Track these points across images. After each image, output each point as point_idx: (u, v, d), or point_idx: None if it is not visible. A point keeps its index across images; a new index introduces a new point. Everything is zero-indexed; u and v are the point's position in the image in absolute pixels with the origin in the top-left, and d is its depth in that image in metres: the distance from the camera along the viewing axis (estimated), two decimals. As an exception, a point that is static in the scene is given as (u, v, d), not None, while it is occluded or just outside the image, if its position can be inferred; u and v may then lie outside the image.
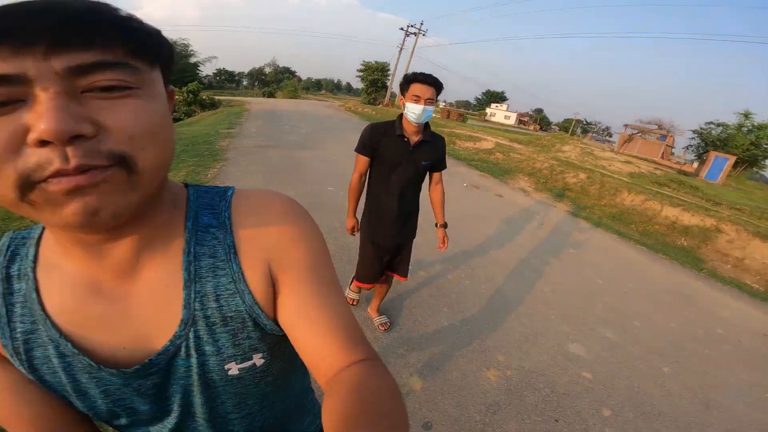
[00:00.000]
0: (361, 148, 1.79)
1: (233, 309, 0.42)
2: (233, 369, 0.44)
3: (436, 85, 1.63)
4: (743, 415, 2.12)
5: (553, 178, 7.42)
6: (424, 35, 26.13)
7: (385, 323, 2.23)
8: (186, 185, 0.48)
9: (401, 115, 1.74)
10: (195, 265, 0.42)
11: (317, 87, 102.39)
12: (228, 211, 0.45)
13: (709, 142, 26.84)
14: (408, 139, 1.73)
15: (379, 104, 28.28)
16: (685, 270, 4.37)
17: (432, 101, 1.63)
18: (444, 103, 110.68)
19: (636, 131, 24.73)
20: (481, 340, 2.29)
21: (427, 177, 1.93)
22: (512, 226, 4.62)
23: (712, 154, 19.42)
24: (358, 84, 40.69)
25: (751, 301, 3.90)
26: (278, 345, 0.48)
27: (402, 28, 26.64)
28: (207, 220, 0.44)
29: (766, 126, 24.97)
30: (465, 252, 3.48)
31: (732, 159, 18.93)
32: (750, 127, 25.60)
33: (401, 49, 27.18)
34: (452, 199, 2.72)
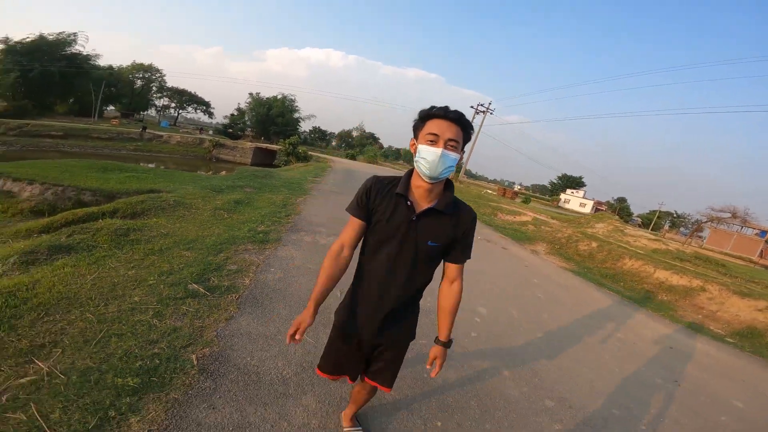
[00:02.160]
0: (352, 206, 1.30)
1: None
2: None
3: (461, 122, 1.15)
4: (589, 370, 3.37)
5: (567, 245, 8.58)
6: (491, 114, 29.07)
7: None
8: None
9: (411, 170, 1.27)
10: None
11: (396, 156, 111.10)
12: None
13: None
14: (412, 203, 1.22)
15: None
16: (667, 321, 5.20)
17: (456, 145, 1.14)
18: (519, 186, 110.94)
19: (705, 220, 23.47)
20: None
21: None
22: (500, 265, 6.08)
23: None
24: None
25: (693, 334, 4.73)
26: None
27: (472, 106, 29.98)
28: None
29: None
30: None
31: None
32: None
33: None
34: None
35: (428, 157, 1.13)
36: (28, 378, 1.66)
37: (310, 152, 29.88)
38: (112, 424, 1.49)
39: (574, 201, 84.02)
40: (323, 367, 1.54)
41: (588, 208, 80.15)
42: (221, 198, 6.29)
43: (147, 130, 30.93)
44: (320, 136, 66.97)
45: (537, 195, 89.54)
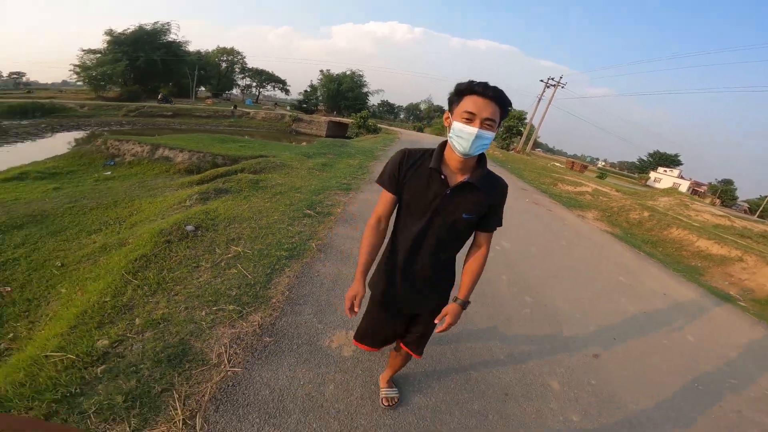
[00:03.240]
0: (384, 180, 1.30)
1: None
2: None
3: (500, 100, 1.11)
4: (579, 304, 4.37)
5: (619, 213, 9.00)
6: (562, 87, 27.71)
7: (392, 398, 1.84)
8: None
9: (444, 143, 1.24)
10: None
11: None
12: None
13: None
14: (446, 176, 1.22)
15: (511, 150, 30.54)
16: (684, 278, 5.80)
17: (492, 124, 1.11)
18: (603, 163, 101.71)
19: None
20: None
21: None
22: (539, 221, 6.98)
23: None
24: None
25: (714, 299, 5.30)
26: None
27: (542, 80, 28.82)
28: None
29: None
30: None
31: None
32: None
33: (539, 99, 29.21)
34: (511, 206, 5.50)
35: (463, 136, 1.11)
36: (231, 254, 3.31)
37: (378, 125, 31.43)
38: (278, 273, 3.05)
39: (666, 180, 74.67)
40: (361, 338, 1.63)
41: (683, 189, 70.94)
42: (311, 161, 8.05)
43: (237, 108, 35.05)
44: (388, 110, 68.08)
45: (624, 173, 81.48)
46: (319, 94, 56.48)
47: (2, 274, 3.80)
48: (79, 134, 20.63)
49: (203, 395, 1.70)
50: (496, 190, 1.29)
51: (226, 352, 1.99)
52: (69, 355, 1.88)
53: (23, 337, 2.89)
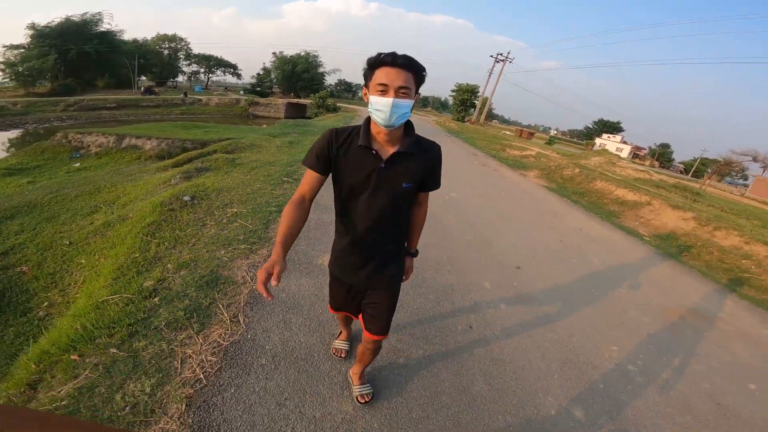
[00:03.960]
0: (310, 160, 1.29)
1: None
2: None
3: (411, 67, 1.12)
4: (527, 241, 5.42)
5: (555, 171, 10.30)
6: (510, 62, 29.16)
7: (366, 395, 1.78)
8: None
9: (369, 118, 1.23)
10: None
11: (423, 104, 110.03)
12: None
13: None
14: (377, 151, 1.22)
15: (466, 121, 31.89)
16: (600, 219, 7.12)
17: (408, 92, 1.12)
18: (555, 131, 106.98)
19: (725, 163, 23.59)
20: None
21: None
22: (484, 179, 8.04)
23: None
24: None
25: (621, 233, 6.59)
26: None
27: (491, 55, 30.12)
28: None
29: None
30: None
31: None
32: None
33: (490, 73, 30.56)
34: (461, 168, 6.21)
35: (381, 108, 1.11)
36: (229, 214, 3.94)
37: (338, 104, 31.55)
38: (272, 222, 3.73)
39: (610, 145, 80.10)
40: (330, 300, 1.69)
41: (625, 153, 76.92)
42: (278, 140, 8.56)
43: (187, 95, 33.64)
44: (346, 89, 67.12)
45: (573, 140, 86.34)
46: (273, 76, 55.10)
47: (14, 257, 4.20)
48: (15, 133, 19.39)
49: (240, 303, 2.43)
50: (430, 154, 1.30)
51: (248, 274, 2.73)
52: (125, 295, 2.51)
53: (60, 303, 3.44)
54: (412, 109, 1.18)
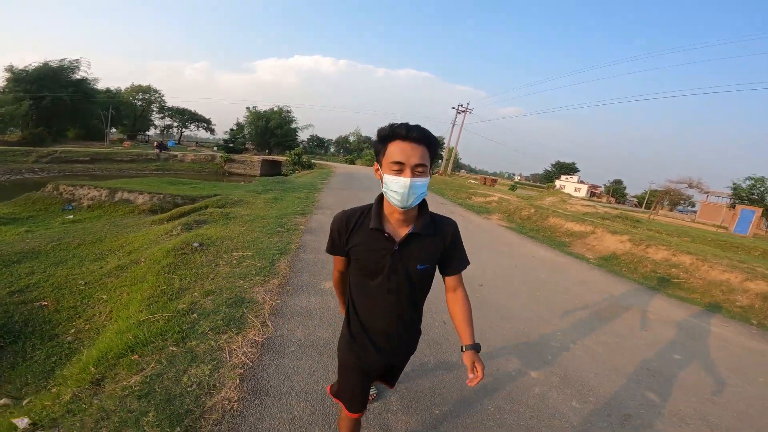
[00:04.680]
0: (330, 247, 1.34)
1: None
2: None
3: (427, 141, 1.08)
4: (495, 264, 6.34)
5: (514, 213, 11.61)
6: (470, 113, 32.23)
7: (372, 393, 2.08)
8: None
9: (381, 196, 1.21)
10: None
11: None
12: None
13: (742, 197, 27.21)
14: (390, 234, 1.19)
15: (435, 173, 34.01)
16: (552, 248, 8.22)
17: (424, 169, 1.09)
18: (519, 177, 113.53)
19: (665, 192, 26.42)
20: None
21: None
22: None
23: (739, 208, 20.42)
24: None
25: (571, 259, 7.66)
26: None
27: (453, 107, 33.16)
28: None
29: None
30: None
31: (759, 211, 19.37)
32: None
33: (453, 125, 33.40)
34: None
35: (397, 189, 1.06)
36: (238, 256, 4.60)
37: (312, 161, 32.98)
38: (277, 261, 4.44)
39: (569, 186, 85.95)
40: (340, 396, 1.47)
41: (583, 192, 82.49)
42: (263, 196, 9.34)
43: (162, 152, 34.09)
44: (318, 144, 68.92)
45: (536, 184, 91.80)
46: (246, 132, 55.72)
47: (31, 294, 4.59)
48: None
49: (265, 314, 3.08)
50: (446, 231, 1.26)
51: (267, 296, 3.41)
52: (164, 314, 3.12)
53: (87, 329, 3.90)
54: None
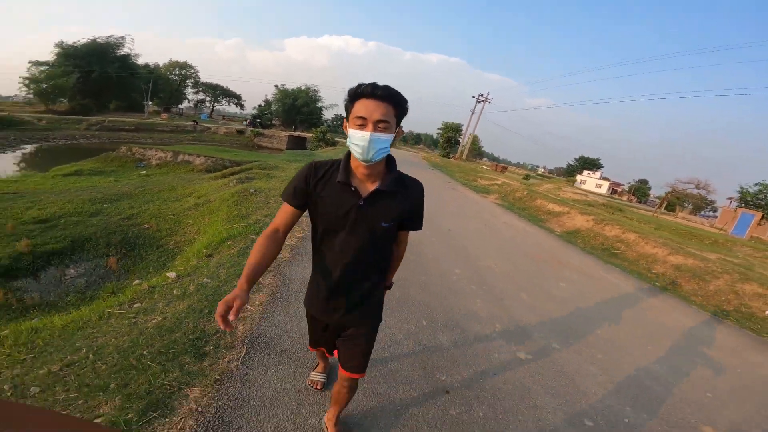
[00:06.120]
0: (288, 194, 1.26)
1: None
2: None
3: (392, 99, 1.11)
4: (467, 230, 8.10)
5: (509, 194, 13.20)
6: (489, 102, 33.15)
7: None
8: None
9: (349, 152, 1.22)
10: None
11: (416, 141, 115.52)
12: None
13: (747, 201, 27.60)
14: (356, 187, 1.21)
15: (451, 157, 35.35)
16: (529, 222, 9.86)
17: (387, 126, 1.11)
18: (543, 169, 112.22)
19: (671, 191, 27.05)
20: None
21: None
22: (451, 198, 10.79)
23: (740, 211, 21.07)
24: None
25: (543, 230, 9.30)
26: None
27: (474, 96, 34.14)
28: None
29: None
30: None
31: (758, 215, 19.98)
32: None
33: (472, 113, 34.45)
34: (434, 189, 8.89)
35: (358, 142, 1.10)
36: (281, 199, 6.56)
37: (335, 139, 34.84)
38: None
39: (590, 182, 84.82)
40: (310, 341, 1.63)
41: (604, 189, 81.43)
42: (294, 165, 11.28)
43: (198, 123, 36.74)
44: (342, 124, 69.75)
45: (557, 177, 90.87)
46: (273, 108, 57.82)
47: (136, 220, 6.70)
48: (49, 145, 21.88)
49: (304, 223, 4.98)
50: (413, 193, 1.28)
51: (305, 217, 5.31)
52: (241, 224, 5.06)
53: (182, 241, 5.92)
54: (393, 143, 1.16)
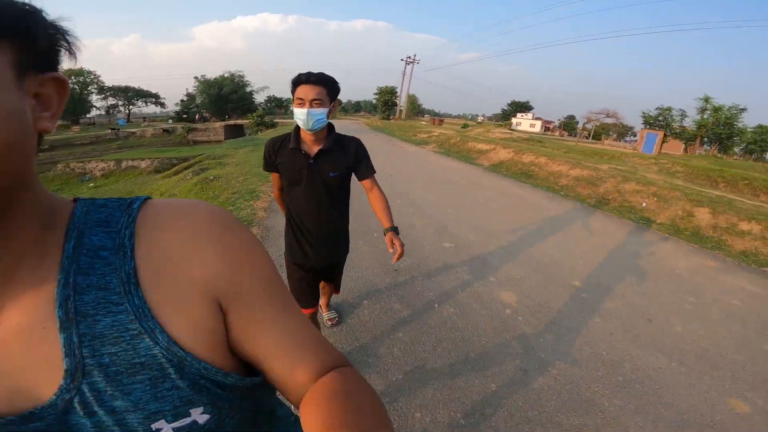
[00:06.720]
0: (265, 166, 1.70)
1: (143, 353, 0.34)
2: (165, 429, 0.35)
3: (323, 82, 1.46)
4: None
5: (444, 142, 14.62)
6: (418, 63, 34.13)
7: (334, 318, 2.48)
8: (76, 199, 0.40)
9: (297, 126, 1.57)
10: (76, 300, 0.33)
11: (357, 109, 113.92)
12: (130, 229, 0.36)
13: (650, 123, 32.07)
14: (306, 151, 1.57)
15: (391, 119, 36.34)
16: (461, 161, 11.30)
17: (321, 103, 1.44)
18: (482, 118, 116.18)
19: (587, 122, 30.40)
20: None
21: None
22: (394, 152, 11.98)
23: (644, 132, 24.41)
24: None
25: (469, 165, 10.79)
26: (226, 396, 0.39)
27: (402, 59, 34.94)
28: (97, 241, 0.36)
29: (721, 108, 29.79)
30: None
31: (661, 134, 23.07)
32: (710, 110, 30.54)
33: (403, 75, 35.32)
34: (377, 148, 9.92)
35: (300, 117, 1.44)
36: (241, 181, 7.34)
37: (275, 120, 34.23)
38: (263, 182, 7.19)
39: (525, 123, 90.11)
40: (297, 302, 1.76)
41: (537, 128, 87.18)
42: (242, 151, 11.75)
43: (120, 130, 34.20)
44: (277, 104, 67.19)
45: (497, 123, 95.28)
46: (198, 101, 54.02)
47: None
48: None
49: (267, 191, 5.89)
50: (350, 147, 1.62)
51: (266, 186, 6.19)
52: (214, 201, 5.87)
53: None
54: (331, 115, 1.52)
